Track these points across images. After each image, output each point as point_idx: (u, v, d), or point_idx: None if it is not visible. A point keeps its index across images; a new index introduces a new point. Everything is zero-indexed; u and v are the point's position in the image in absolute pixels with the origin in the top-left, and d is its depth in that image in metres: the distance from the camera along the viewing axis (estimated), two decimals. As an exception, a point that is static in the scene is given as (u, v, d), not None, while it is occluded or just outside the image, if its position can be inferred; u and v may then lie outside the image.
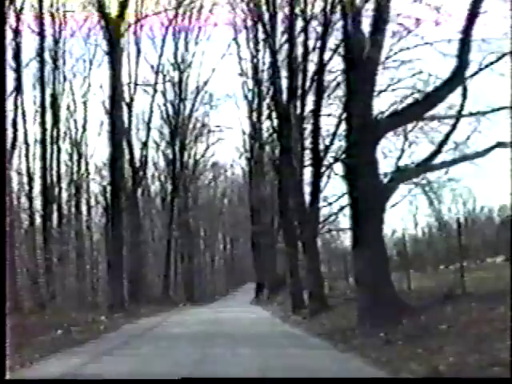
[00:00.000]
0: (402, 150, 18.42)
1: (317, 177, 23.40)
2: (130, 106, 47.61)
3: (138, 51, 48.77)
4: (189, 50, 53.31)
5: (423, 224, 51.53)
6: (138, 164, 47.83)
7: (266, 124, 49.97)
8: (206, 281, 72.51)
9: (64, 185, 47.74)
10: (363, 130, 15.64)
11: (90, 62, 47.64)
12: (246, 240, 78.57)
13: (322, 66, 22.87)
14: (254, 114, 52.87)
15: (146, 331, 22.06)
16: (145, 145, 49.54)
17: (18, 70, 38.51)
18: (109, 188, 38.13)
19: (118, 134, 34.86)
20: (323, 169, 24.22)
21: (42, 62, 40.60)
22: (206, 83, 55.49)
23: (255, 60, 51.07)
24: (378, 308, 15.29)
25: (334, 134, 24.09)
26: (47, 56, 43.08)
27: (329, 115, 24.99)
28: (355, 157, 15.73)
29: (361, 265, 15.81)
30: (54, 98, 44.35)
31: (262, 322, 24.17)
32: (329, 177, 24.67)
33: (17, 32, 38.88)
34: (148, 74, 51.47)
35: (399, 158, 17.57)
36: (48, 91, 42.88)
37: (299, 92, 25.61)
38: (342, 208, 24.93)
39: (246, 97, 54.41)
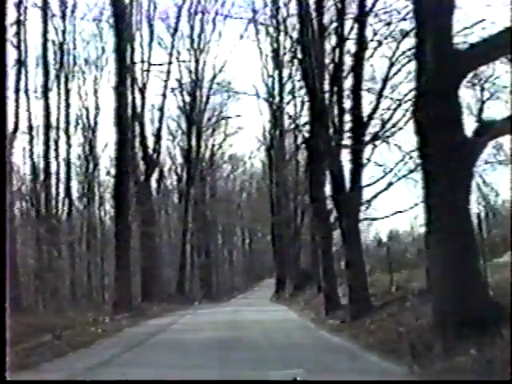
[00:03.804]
0: (483, 102, 13.45)
1: (358, 152, 18.42)
2: (142, 91, 42.90)
3: (152, 34, 43.96)
4: (205, 32, 48.42)
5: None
6: (151, 152, 42.96)
7: (287, 109, 45.97)
8: (224, 276, 67.92)
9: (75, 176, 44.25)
10: (441, 65, 10.75)
11: (102, 49, 43.45)
12: (264, 234, 74.31)
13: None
14: (275, 101, 48.05)
15: (150, 337, 17.36)
16: (158, 131, 44.70)
17: (19, 48, 33.84)
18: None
19: (125, 112, 30.11)
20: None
21: (45, 36, 35.90)
22: (223, 67, 50.85)
23: (275, 44, 46.90)
24: (465, 312, 10.34)
25: (377, 104, 19.18)
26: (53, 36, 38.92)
27: (368, 90, 19.99)
28: (431, 101, 10.75)
29: (438, 252, 10.87)
30: (65, 78, 40.28)
31: (290, 325, 19.24)
32: (368, 160, 19.53)
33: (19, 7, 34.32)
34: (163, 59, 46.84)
35: (480, 111, 12.59)
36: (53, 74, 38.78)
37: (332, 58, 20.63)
38: (385, 188, 19.87)
39: (266, 85, 49.45)
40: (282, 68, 46.47)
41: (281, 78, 46.89)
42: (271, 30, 46.58)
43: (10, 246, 20.65)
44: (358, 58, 19.02)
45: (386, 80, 19.20)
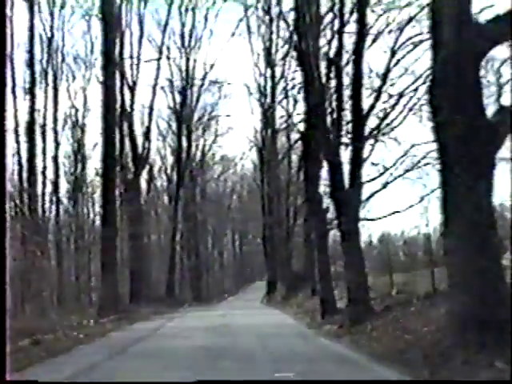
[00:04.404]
0: (500, 87, 12.11)
1: (357, 147, 17.03)
2: (132, 89, 41.23)
3: (142, 31, 42.30)
4: (196, 29, 46.99)
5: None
6: (140, 150, 41.27)
7: (279, 108, 44.69)
8: (214, 278, 66.29)
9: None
10: (461, 40, 9.41)
11: (91, 46, 41.89)
12: (255, 237, 72.90)
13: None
14: (267, 100, 46.60)
15: (134, 343, 15.85)
16: (148, 128, 43.02)
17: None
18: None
19: (113, 105, 28.67)
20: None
21: (31, 29, 34.40)
22: (213, 64, 49.60)
23: (267, 43, 45.56)
24: (488, 317, 8.99)
25: (378, 95, 17.86)
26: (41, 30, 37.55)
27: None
28: (448, 81, 9.39)
29: (457, 249, 9.52)
30: (54, 75, 38.87)
31: (285, 331, 17.74)
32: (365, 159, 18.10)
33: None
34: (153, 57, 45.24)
35: (499, 95, 11.27)
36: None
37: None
38: (383, 187, 18.60)
39: (258, 85, 48.00)
40: (275, 66, 45.10)
41: (273, 76, 45.54)
42: (263, 28, 45.63)
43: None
44: (358, 48, 17.64)
45: (387, 72, 17.89)
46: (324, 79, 19.44)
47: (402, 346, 11.40)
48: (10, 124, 33.83)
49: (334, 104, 17.95)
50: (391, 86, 18.54)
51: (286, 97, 42.79)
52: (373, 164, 18.65)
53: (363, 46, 17.67)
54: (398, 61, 18.13)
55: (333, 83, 19.10)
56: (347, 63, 18.37)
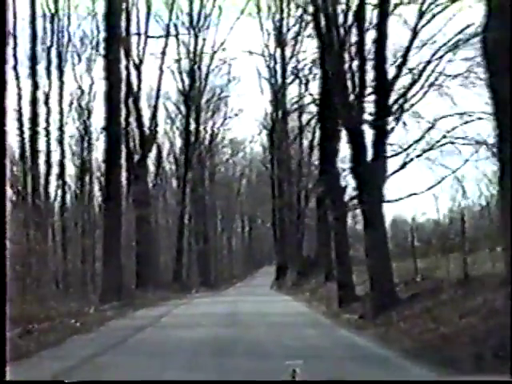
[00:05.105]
0: None
1: (381, 117, 15.22)
2: (138, 67, 39.42)
3: (149, 8, 40.36)
4: (205, 8, 44.92)
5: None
6: (147, 131, 39.49)
7: (289, 90, 43.02)
8: (223, 264, 64.67)
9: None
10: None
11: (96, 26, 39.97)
12: (264, 222, 71.28)
13: None
14: (278, 81, 44.87)
15: (133, 334, 14.22)
16: (155, 108, 41.26)
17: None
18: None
19: (117, 83, 26.84)
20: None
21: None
22: (222, 44, 46.99)
23: (277, 23, 43.79)
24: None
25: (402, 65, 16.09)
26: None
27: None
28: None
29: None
30: (58, 55, 37.04)
31: (300, 320, 16.01)
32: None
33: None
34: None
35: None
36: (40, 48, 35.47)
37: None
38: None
39: (268, 66, 46.19)
40: (285, 46, 43.41)
41: (283, 57, 43.87)
42: (273, 8, 43.88)
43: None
44: (382, 11, 15.77)
45: (414, 35, 16.04)
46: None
47: (439, 341, 9.72)
48: (12, 104, 32.32)
49: (355, 69, 16.04)
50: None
51: (298, 77, 41.21)
52: (390, 144, 17.00)
53: (387, 9, 15.82)
54: (424, 25, 16.44)
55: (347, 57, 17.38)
56: (367, 30, 16.55)
